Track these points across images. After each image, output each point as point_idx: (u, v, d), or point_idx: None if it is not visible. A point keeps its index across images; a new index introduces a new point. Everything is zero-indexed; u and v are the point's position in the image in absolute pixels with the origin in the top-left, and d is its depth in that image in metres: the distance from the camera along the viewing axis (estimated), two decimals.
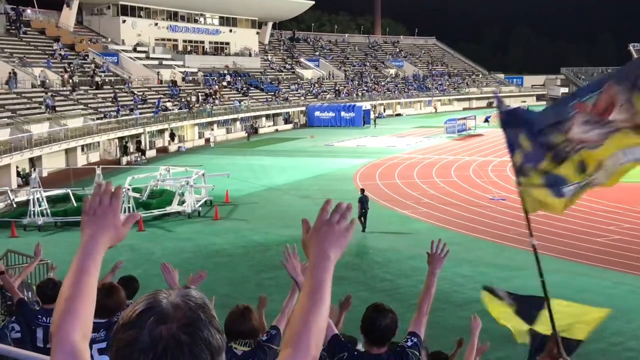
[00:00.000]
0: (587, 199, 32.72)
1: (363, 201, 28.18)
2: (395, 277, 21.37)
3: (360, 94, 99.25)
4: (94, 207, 2.32)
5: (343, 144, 62.82)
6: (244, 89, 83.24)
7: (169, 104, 66.81)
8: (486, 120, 79.13)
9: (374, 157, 51.58)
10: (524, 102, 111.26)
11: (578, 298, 20.19)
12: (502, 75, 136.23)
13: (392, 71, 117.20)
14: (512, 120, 6.17)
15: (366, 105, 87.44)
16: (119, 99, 61.84)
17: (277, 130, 77.46)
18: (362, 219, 27.53)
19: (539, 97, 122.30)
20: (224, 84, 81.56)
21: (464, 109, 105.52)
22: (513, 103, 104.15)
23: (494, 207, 31.96)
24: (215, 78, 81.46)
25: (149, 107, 63.58)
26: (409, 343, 5.15)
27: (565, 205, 6.10)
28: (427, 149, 56.88)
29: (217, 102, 73.94)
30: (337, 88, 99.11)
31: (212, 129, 68.55)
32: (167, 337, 1.70)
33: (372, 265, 23.20)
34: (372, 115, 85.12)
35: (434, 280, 5.43)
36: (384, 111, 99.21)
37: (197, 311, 1.76)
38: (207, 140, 65.88)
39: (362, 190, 29.39)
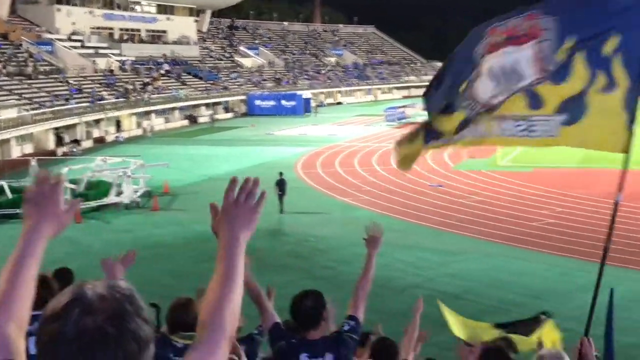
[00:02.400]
0: (523, 185, 33.46)
1: (281, 184, 29.45)
2: (337, 264, 21.52)
3: (300, 82, 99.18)
4: (34, 196, 2.30)
5: (284, 132, 62.76)
6: (183, 77, 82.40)
7: (105, 93, 65.75)
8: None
9: (315, 145, 51.68)
10: None
11: (515, 281, 20.74)
12: (440, 64, 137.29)
13: (332, 60, 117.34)
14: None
15: (307, 93, 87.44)
16: (54, 88, 60.57)
17: (217, 120, 76.85)
18: (280, 201, 28.92)
19: None
20: (162, 72, 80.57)
21: (404, 97, 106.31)
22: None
23: (433, 193, 32.41)
24: (153, 67, 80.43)
25: (84, 97, 62.43)
26: (346, 327, 5.22)
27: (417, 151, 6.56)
28: (368, 137, 57.23)
29: (155, 91, 73.05)
30: (277, 76, 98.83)
31: (149, 119, 67.75)
32: (92, 329, 1.65)
33: (313, 253, 23.31)
34: (312, 104, 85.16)
35: (372, 264, 5.49)
36: (325, 100, 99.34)
37: (123, 302, 1.71)
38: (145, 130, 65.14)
39: (281, 174, 30.27)
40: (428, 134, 6.47)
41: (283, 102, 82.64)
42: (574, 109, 5.70)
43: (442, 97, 6.37)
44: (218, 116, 78.45)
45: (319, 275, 20.20)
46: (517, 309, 16.24)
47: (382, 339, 6.82)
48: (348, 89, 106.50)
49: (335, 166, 41.92)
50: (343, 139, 56.48)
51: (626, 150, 5.56)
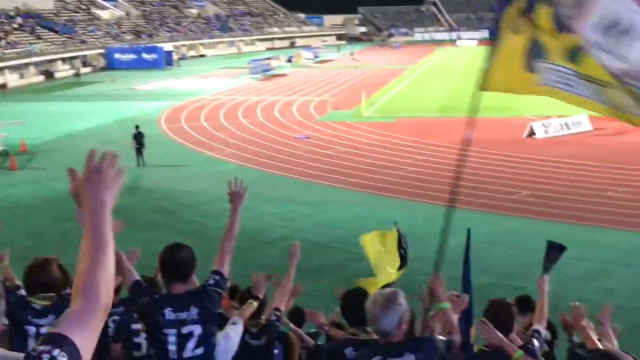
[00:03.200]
0: (386, 135, 34.24)
1: (138, 137, 29.56)
2: (205, 219, 21.39)
3: (161, 34, 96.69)
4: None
5: (146, 86, 61.23)
6: (37, 31, 78.47)
7: None
8: (289, 60, 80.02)
9: (178, 99, 50.74)
10: (325, 41, 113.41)
11: (380, 228, 21.21)
12: (302, 15, 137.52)
13: (194, 11, 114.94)
14: None
15: (168, 46, 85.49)
16: None
17: (81, 74, 73.83)
18: (139, 154, 29.16)
19: (339, 37, 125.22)
20: (15, 26, 76.40)
21: (267, 49, 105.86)
22: (313, 42, 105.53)
23: (299, 145, 32.65)
24: (5, 20, 76.12)
25: None
26: (211, 282, 5.21)
27: (534, 89, 5.68)
28: (233, 90, 56.74)
29: (7, 46, 69.27)
30: (137, 29, 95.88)
31: (3, 74, 64.39)
32: None
33: (180, 209, 23.06)
34: (174, 57, 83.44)
35: (236, 219, 5.48)
36: (187, 52, 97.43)
37: None
38: None
39: (137, 127, 30.25)
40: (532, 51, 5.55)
41: (144, 55, 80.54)
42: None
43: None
44: (76, 70, 75.54)
45: (186, 231, 20.01)
46: None
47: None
48: (211, 41, 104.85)
49: (200, 120, 41.38)
50: (207, 92, 55.73)
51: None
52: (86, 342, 1.98)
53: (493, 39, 5.78)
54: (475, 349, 5.74)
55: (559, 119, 34.27)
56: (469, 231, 6.17)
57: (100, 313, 2.03)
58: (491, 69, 5.82)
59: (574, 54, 5.30)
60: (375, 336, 4.84)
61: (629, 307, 14.96)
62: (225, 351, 5.60)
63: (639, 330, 12.96)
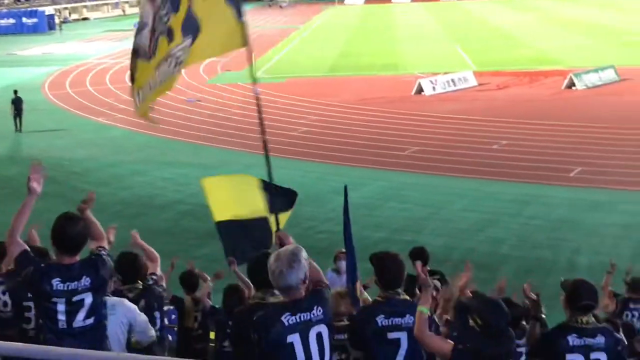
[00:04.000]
0: (278, 95, 34.21)
1: (16, 102, 29.19)
2: (95, 186, 20.86)
3: None
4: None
5: (27, 52, 58.81)
6: None
7: None
8: None
9: (62, 64, 48.97)
10: None
11: None
12: None
13: None
14: None
15: (49, 9, 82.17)
16: None
17: None
18: (18, 120, 28.93)
19: None
20: None
21: None
22: None
23: (190, 108, 32.21)
24: None
25: None
26: (104, 252, 5.22)
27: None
28: (118, 54, 55.12)
29: None
30: None
31: None
32: None
33: (70, 177, 22.41)
34: (57, 21, 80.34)
35: (32, 200, 5.15)
36: (70, 16, 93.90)
37: None
38: None
39: (15, 92, 29.74)
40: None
41: (24, 19, 77.32)
42: (190, 27, 5.98)
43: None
44: None
45: (77, 199, 19.43)
46: None
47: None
48: (94, 3, 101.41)
49: (86, 85, 40.14)
50: (92, 56, 54.03)
51: (245, 43, 5.98)
52: None
53: None
54: (361, 301, 5.89)
55: (445, 75, 35.09)
56: (345, 188, 6.24)
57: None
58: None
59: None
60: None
61: (515, 255, 15.66)
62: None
63: (524, 276, 13.61)
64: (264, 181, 6.63)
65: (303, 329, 4.48)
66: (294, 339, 4.46)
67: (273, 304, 4.73)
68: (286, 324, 4.45)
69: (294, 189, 6.76)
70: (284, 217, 6.52)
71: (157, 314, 6.71)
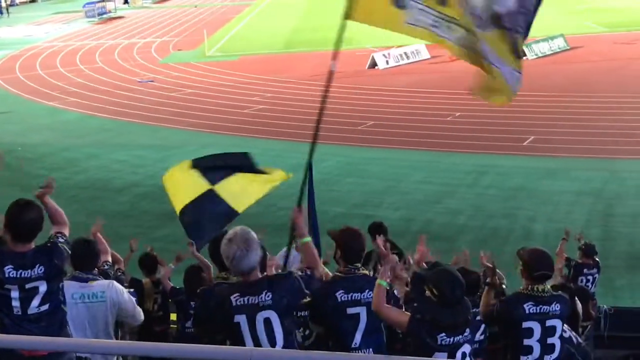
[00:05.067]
0: (232, 74, 34.03)
1: None
2: (50, 171, 20.61)
3: None
4: None
5: None
6: None
7: None
8: (126, 2, 77.20)
9: (11, 48, 47.92)
10: None
11: None
12: None
13: None
14: None
15: None
16: None
17: None
18: None
19: None
20: None
21: None
22: None
23: (143, 89, 31.87)
24: None
25: None
26: (61, 239, 5.20)
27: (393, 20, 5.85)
28: (68, 36, 54.21)
29: None
30: None
31: None
32: None
33: (23, 163, 22.10)
34: (3, 4, 78.48)
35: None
36: None
37: None
38: None
39: None
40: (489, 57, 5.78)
41: None
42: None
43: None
44: None
45: (32, 185, 19.20)
46: None
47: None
48: None
49: (37, 69, 39.39)
50: (41, 39, 52.94)
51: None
52: None
53: None
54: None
55: (398, 49, 35.18)
56: (310, 165, 6.30)
57: None
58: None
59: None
60: None
61: (472, 225, 15.88)
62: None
63: (481, 245, 13.83)
64: (193, 160, 6.52)
65: (250, 313, 4.54)
66: (241, 319, 4.54)
67: (229, 284, 4.79)
68: (234, 303, 4.53)
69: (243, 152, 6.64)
70: (259, 178, 6.43)
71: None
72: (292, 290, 4.77)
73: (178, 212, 6.24)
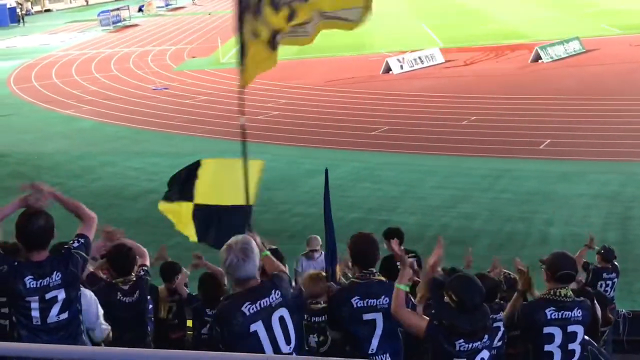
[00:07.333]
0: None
1: None
2: (66, 179, 20.73)
3: None
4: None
5: None
6: None
7: None
8: (140, 10, 77.63)
9: (27, 57, 48.27)
10: None
11: None
12: None
13: None
14: None
15: (11, 2, 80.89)
16: None
17: None
18: None
19: None
20: None
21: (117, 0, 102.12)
22: None
23: (158, 97, 31.98)
24: None
25: None
26: (75, 244, 5.14)
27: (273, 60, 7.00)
28: (83, 44, 54.57)
29: None
30: None
31: None
32: None
33: (40, 171, 22.17)
34: (19, 13, 79.16)
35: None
36: (32, 7, 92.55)
37: None
38: None
39: None
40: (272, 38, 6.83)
41: None
42: None
43: None
44: None
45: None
46: None
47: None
48: None
49: (52, 77, 39.64)
50: (57, 48, 53.32)
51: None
52: None
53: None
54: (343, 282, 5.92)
55: (412, 53, 35.13)
56: (326, 171, 6.28)
57: None
58: (245, 67, 6.93)
59: (292, 15, 6.75)
60: None
61: (488, 230, 15.79)
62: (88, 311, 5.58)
63: (498, 250, 13.76)
64: (162, 199, 6.99)
65: (265, 316, 4.51)
66: (258, 327, 4.48)
67: (232, 296, 4.73)
68: (247, 313, 4.47)
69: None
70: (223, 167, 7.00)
71: (149, 305, 6.72)
72: (288, 285, 4.82)
73: (199, 202, 6.65)
